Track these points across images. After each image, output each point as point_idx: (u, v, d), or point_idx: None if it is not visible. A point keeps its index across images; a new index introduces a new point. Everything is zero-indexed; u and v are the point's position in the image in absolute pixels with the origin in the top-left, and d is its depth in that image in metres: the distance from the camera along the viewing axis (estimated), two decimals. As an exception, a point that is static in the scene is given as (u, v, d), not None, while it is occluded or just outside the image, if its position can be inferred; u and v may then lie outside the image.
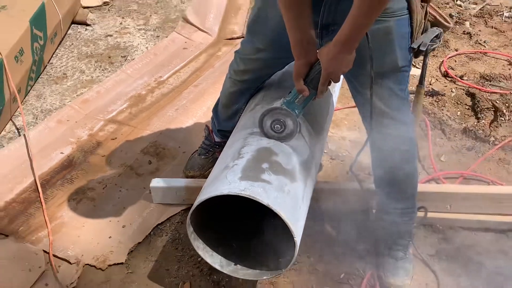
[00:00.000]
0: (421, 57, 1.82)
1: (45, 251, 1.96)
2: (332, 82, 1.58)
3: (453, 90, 2.94)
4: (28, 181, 2.26)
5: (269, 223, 1.63)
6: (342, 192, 2.07)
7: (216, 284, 1.85)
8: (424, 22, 1.58)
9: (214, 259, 1.69)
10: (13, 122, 2.66)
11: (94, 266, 1.92)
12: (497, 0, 4.12)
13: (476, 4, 4.03)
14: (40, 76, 3.03)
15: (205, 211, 1.65)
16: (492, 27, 3.67)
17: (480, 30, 3.62)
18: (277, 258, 1.67)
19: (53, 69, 3.12)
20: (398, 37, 1.53)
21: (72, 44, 3.39)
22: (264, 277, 1.67)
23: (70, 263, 1.92)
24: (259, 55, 1.81)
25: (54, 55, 3.24)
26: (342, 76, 1.62)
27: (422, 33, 1.59)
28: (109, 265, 1.92)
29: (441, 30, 1.63)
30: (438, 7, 3.77)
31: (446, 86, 2.96)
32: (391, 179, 1.77)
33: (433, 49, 1.63)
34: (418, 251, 1.95)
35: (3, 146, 2.48)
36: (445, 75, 3.08)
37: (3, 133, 2.59)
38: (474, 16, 3.83)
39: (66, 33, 3.45)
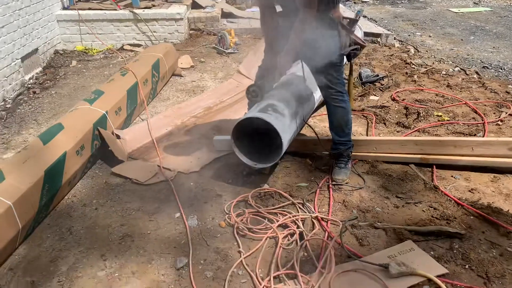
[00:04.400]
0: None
1: (158, 165, 2.87)
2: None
3: (396, 106, 3.70)
4: (148, 139, 3.20)
5: (270, 139, 2.53)
6: (312, 141, 2.89)
7: (246, 181, 2.65)
8: (348, 41, 2.52)
9: (243, 158, 2.56)
10: (139, 117, 3.71)
11: (182, 172, 2.78)
12: (440, 65, 4.97)
13: (426, 68, 4.87)
14: (154, 99, 4.11)
15: (239, 133, 2.58)
16: (431, 79, 4.40)
17: (423, 80, 4.36)
18: (273, 157, 2.50)
19: (161, 95, 4.18)
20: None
21: (172, 85, 4.47)
22: (268, 165, 2.51)
23: (170, 170, 2.80)
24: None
25: (162, 90, 4.32)
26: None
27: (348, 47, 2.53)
28: (190, 172, 2.78)
29: (359, 46, 2.55)
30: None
31: (392, 105, 3.73)
32: (338, 124, 2.57)
33: (355, 56, 2.55)
34: (356, 170, 2.71)
35: (134, 125, 3.51)
36: (393, 99, 3.86)
37: (134, 121, 3.63)
38: (422, 73, 4.57)
39: (169, 80, 4.57)
